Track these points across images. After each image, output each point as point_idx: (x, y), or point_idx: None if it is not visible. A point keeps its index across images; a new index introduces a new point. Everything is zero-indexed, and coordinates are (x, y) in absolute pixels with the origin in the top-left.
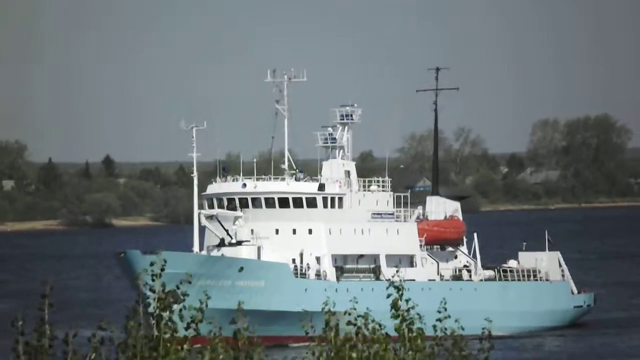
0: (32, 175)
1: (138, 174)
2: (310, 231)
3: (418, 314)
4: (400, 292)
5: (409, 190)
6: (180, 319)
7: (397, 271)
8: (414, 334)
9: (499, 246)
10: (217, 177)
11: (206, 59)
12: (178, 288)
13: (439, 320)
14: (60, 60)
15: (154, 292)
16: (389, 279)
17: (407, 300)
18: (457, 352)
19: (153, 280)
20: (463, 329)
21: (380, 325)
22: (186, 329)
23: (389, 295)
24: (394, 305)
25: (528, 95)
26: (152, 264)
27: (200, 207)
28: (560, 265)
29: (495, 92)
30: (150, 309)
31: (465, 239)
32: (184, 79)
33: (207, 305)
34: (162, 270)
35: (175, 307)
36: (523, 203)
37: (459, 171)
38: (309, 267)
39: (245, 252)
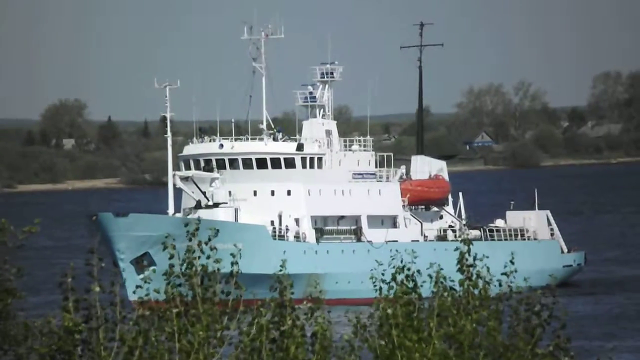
0: (92, 134)
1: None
2: (289, 192)
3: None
4: (468, 247)
5: (467, 146)
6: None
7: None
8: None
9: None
10: (194, 138)
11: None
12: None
13: (506, 274)
14: (120, 18)
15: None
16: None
17: (474, 257)
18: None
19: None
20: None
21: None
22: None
23: (456, 249)
24: (460, 260)
25: (589, 48)
26: (186, 225)
27: (177, 168)
28: (549, 224)
29: (555, 45)
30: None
31: (450, 199)
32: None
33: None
34: (197, 229)
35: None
36: (584, 157)
37: (518, 126)
38: (287, 229)
39: (222, 215)
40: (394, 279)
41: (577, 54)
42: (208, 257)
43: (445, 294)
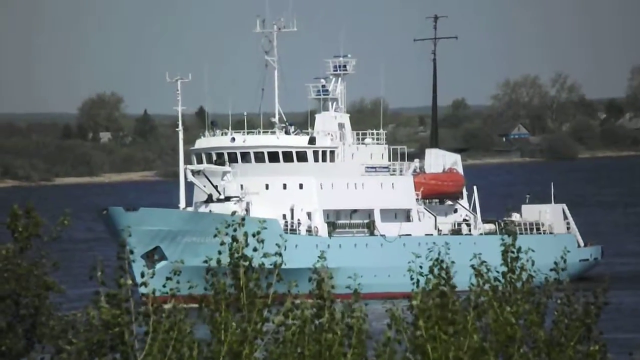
0: (128, 127)
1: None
2: (301, 186)
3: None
4: (513, 239)
5: (504, 138)
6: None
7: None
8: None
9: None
10: (206, 131)
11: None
12: None
13: (555, 271)
14: (160, 13)
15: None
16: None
17: (518, 249)
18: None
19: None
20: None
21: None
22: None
23: (502, 240)
24: (504, 252)
25: (627, 39)
26: (233, 213)
27: (189, 162)
28: (565, 218)
29: (592, 37)
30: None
31: (465, 192)
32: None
33: None
34: (242, 221)
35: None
36: (622, 149)
37: (555, 118)
38: (300, 223)
39: (233, 208)
40: (431, 271)
41: (614, 45)
42: (255, 250)
43: (487, 286)
